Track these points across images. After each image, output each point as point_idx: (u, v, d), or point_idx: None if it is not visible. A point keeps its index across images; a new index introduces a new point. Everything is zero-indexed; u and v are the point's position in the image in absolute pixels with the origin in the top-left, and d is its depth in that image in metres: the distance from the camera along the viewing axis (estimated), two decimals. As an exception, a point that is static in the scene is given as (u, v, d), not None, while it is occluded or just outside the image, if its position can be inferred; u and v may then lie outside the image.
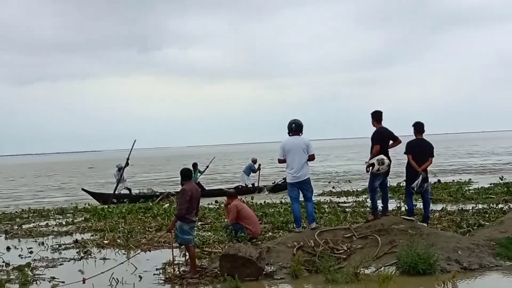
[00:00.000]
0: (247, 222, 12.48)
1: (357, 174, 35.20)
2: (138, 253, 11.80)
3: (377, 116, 11.34)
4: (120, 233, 14.37)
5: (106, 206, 21.07)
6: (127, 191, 25.13)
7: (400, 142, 11.35)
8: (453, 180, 25.83)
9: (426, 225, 11.29)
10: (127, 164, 25.02)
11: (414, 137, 11.63)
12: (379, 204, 11.54)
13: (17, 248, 13.49)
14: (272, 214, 16.24)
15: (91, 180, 46.94)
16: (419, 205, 12.86)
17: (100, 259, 11.95)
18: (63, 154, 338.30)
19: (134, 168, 27.23)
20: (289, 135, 11.13)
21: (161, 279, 9.99)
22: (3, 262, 11.74)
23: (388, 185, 12.67)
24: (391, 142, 11.29)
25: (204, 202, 19.28)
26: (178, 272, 10.11)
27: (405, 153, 11.42)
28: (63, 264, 11.71)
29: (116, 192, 24.64)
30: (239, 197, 14.07)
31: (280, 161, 11.40)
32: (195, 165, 25.41)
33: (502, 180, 23.47)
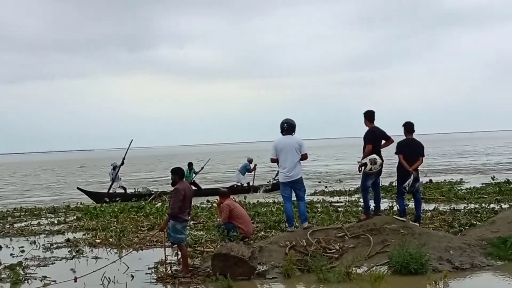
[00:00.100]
0: (239, 221, 12.48)
1: (348, 173, 35.31)
2: (130, 252, 11.78)
3: (369, 116, 11.37)
4: (112, 232, 14.33)
5: (99, 205, 21.05)
6: (122, 190, 25.12)
7: (392, 141, 11.38)
8: (445, 180, 25.95)
9: (418, 224, 11.33)
10: (122, 163, 25.01)
11: (404, 137, 11.67)
12: (371, 204, 11.58)
13: (9, 247, 13.42)
14: (265, 214, 16.26)
15: (79, 179, 46.81)
16: (411, 205, 12.90)
17: (92, 258, 11.90)
18: (55, 153, 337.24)
19: (126, 167, 27.12)
20: (282, 135, 11.15)
21: (153, 278, 9.97)
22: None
23: (380, 185, 12.71)
24: (383, 141, 11.33)
25: (197, 201, 19.28)
26: (170, 271, 10.08)
27: (395, 153, 11.45)
28: (55, 263, 11.66)
29: (111, 191, 24.61)
30: (231, 196, 14.07)
31: (273, 161, 11.41)
32: (190, 164, 25.42)
33: (493, 180, 23.62)
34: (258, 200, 19.92)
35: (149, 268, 10.61)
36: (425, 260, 9.20)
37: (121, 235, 13.96)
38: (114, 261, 10.81)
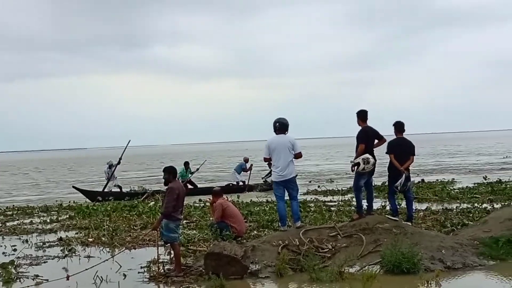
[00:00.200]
0: (232, 220, 12.48)
1: (339, 173, 35.35)
2: (122, 251, 11.76)
3: (362, 115, 11.39)
4: (105, 231, 14.31)
5: (92, 204, 21.01)
6: (117, 189, 25.07)
7: (385, 141, 11.41)
8: (437, 180, 26.03)
9: (410, 224, 11.36)
10: (119, 162, 24.99)
11: (395, 137, 11.69)
12: (364, 203, 11.61)
13: (1, 246, 13.36)
14: (258, 213, 16.25)
15: (69, 178, 46.68)
16: (404, 204, 12.93)
17: (85, 257, 11.87)
18: (47, 152, 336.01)
19: (121, 166, 27.38)
20: (276, 134, 11.15)
21: (145, 277, 9.95)
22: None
23: (373, 185, 12.74)
24: (376, 141, 11.35)
25: (190, 200, 19.26)
26: (162, 271, 10.07)
27: (386, 152, 11.47)
28: (47, 262, 11.63)
29: (107, 190, 24.56)
30: (224, 195, 14.07)
31: (266, 160, 11.43)
32: (186, 163, 25.42)
33: (485, 179, 23.72)
34: (251, 199, 19.92)
35: (141, 267, 10.59)
36: (417, 260, 9.22)
37: (113, 234, 13.93)
38: (107, 260, 10.78)
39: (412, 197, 12.02)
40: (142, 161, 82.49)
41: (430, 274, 8.95)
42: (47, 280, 9.84)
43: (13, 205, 22.22)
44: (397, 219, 11.18)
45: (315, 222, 13.40)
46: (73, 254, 12.12)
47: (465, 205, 16.34)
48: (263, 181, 26.27)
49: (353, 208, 15.72)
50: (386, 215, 11.99)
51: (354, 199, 14.68)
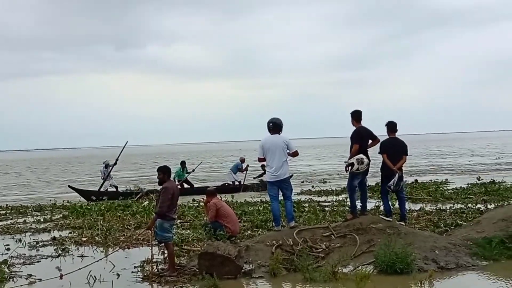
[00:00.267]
0: (226, 220, 12.48)
1: (331, 174, 35.37)
2: (116, 251, 11.74)
3: (356, 116, 11.40)
4: (99, 230, 14.28)
5: (86, 204, 20.96)
6: (113, 189, 25.04)
7: (379, 141, 11.42)
8: (430, 180, 26.08)
9: (404, 224, 11.38)
10: (115, 163, 24.96)
11: (387, 137, 11.72)
12: (358, 203, 11.62)
13: (-6, 245, 13.34)
14: (252, 213, 16.25)
15: (60, 178, 46.55)
16: (397, 205, 12.95)
17: (78, 256, 11.85)
18: (41, 151, 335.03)
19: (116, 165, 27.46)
20: (270, 134, 11.15)
21: (139, 277, 9.94)
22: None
23: (367, 185, 12.75)
24: (370, 141, 11.36)
25: (184, 200, 19.26)
26: (156, 270, 10.07)
27: (379, 152, 11.50)
28: (40, 261, 11.60)
29: (103, 189, 24.51)
30: (218, 195, 14.06)
31: (260, 160, 11.45)
32: (183, 163, 25.41)
33: (479, 180, 23.79)
34: (245, 199, 19.93)
35: (135, 267, 10.58)
36: (410, 260, 9.25)
37: (107, 233, 13.92)
38: (100, 260, 10.78)
39: (405, 197, 12.05)
40: (136, 160, 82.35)
41: (424, 274, 8.97)
42: (41, 279, 9.84)
43: (7, 205, 22.13)
44: (390, 219, 11.21)
45: (309, 222, 13.42)
46: (67, 254, 12.11)
47: (458, 206, 16.39)
48: (259, 180, 26.24)
49: (347, 208, 15.74)
50: (380, 216, 12.00)
51: (348, 199, 14.69)
